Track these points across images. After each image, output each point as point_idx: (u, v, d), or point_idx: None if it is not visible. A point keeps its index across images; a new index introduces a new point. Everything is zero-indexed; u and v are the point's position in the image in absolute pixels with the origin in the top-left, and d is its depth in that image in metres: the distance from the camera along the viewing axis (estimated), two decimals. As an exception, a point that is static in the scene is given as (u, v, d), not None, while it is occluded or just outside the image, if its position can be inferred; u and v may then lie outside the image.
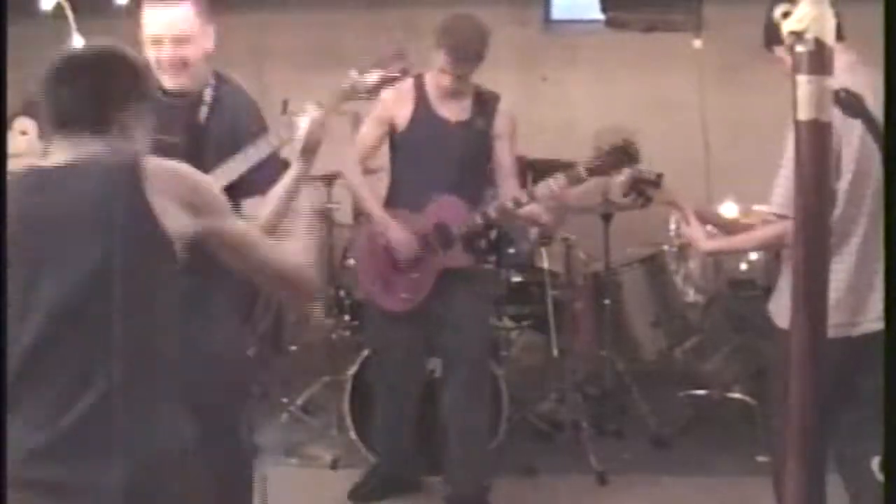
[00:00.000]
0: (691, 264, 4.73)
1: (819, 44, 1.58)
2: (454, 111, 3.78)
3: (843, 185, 2.72)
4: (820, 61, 1.59)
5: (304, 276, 2.09)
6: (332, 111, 2.66)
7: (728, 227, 3.31)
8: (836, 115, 2.60)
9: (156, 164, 1.83)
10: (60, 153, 1.86)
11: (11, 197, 1.81)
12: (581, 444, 4.30)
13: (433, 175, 3.74)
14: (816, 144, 1.63)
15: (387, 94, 3.57)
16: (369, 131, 3.85)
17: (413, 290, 3.79)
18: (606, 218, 4.79)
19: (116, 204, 1.76)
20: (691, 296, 4.76)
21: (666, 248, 4.71)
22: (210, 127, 2.84)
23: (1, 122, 2.71)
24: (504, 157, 3.84)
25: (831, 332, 2.70)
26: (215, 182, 2.26)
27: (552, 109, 5.80)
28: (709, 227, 3.23)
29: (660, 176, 3.50)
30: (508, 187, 3.80)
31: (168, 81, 2.79)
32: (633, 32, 4.92)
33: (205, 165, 2.56)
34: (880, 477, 2.26)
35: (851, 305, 2.72)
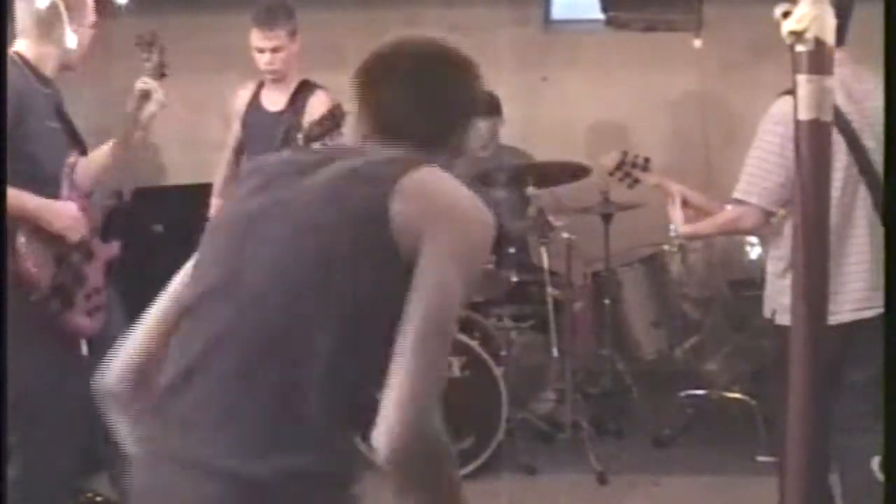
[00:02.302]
0: (692, 262, 4.72)
1: (819, 44, 1.58)
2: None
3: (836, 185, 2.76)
4: (820, 61, 1.59)
5: None
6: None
7: (710, 214, 3.35)
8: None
9: None
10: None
11: None
12: (581, 444, 4.30)
13: None
14: (816, 144, 1.63)
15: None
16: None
17: None
18: (606, 218, 4.79)
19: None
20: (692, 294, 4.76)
21: (666, 248, 4.70)
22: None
23: (1, 119, 2.71)
24: None
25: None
26: None
27: (552, 109, 5.79)
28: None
29: (647, 160, 3.61)
30: None
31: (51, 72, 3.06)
32: (633, 32, 4.91)
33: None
34: (880, 477, 2.26)
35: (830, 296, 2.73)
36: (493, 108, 5.02)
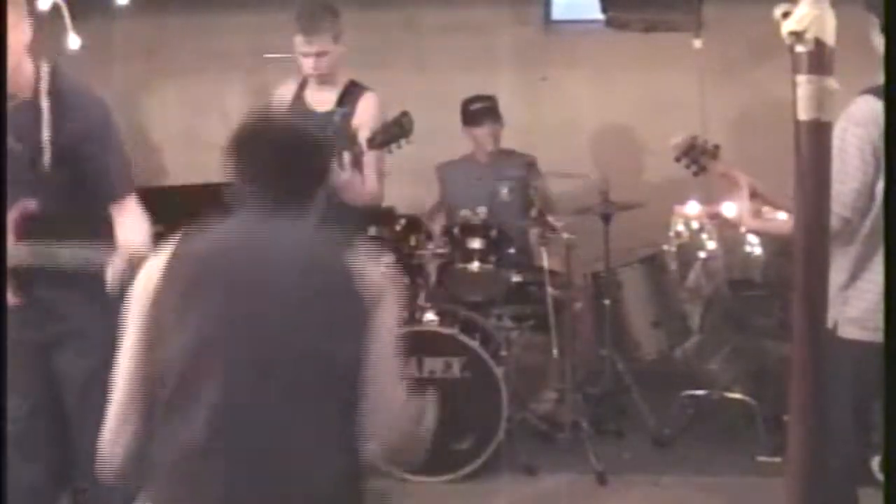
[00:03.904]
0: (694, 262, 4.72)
1: (819, 44, 1.58)
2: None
3: (879, 185, 2.66)
4: (820, 61, 1.59)
5: None
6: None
7: (780, 207, 3.23)
8: (879, 108, 2.57)
9: None
10: None
11: None
12: (581, 444, 4.30)
13: None
14: (816, 144, 1.63)
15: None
16: None
17: None
18: (606, 218, 4.78)
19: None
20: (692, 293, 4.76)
21: (666, 248, 4.70)
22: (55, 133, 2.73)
23: (1, 121, 2.70)
24: None
25: (870, 336, 2.66)
26: None
27: (552, 109, 5.79)
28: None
29: (717, 147, 3.44)
30: None
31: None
32: (633, 32, 4.91)
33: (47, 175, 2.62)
34: (880, 477, 2.26)
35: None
36: (491, 112, 5.02)
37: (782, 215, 3.00)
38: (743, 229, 3.70)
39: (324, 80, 4.02)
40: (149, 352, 1.87)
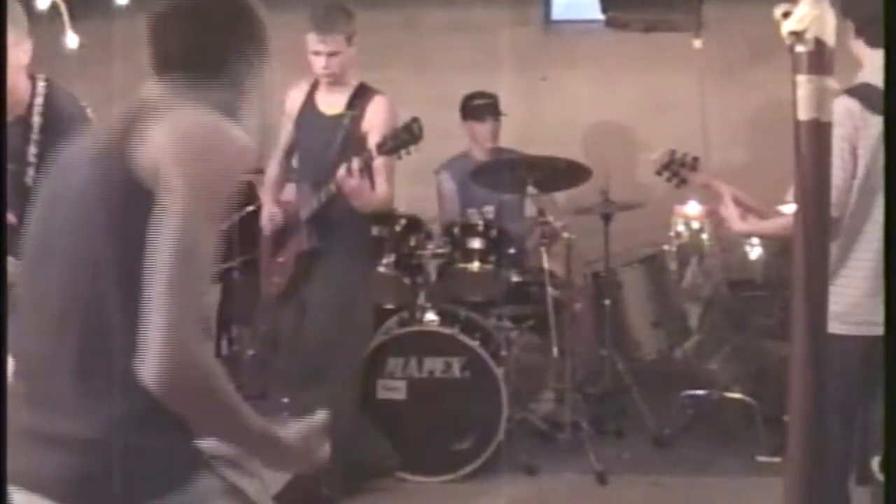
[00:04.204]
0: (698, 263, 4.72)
1: (819, 44, 1.58)
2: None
3: (857, 179, 2.72)
4: (820, 61, 1.59)
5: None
6: None
7: (761, 214, 3.30)
8: (855, 109, 2.65)
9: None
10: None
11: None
12: (581, 444, 4.30)
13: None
14: (816, 144, 1.63)
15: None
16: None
17: (280, 274, 3.99)
18: (606, 218, 4.79)
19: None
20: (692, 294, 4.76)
21: (666, 248, 4.70)
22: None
23: (1, 121, 2.70)
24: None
25: (853, 330, 2.70)
26: None
27: (552, 109, 5.80)
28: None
29: (696, 159, 3.50)
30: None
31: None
32: (633, 32, 4.91)
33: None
34: (880, 477, 2.26)
35: (873, 304, 2.70)
36: (493, 108, 5.03)
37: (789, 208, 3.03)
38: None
39: (334, 81, 3.97)
40: None
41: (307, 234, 3.92)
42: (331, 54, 3.89)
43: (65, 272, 1.66)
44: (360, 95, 3.98)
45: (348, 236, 3.96)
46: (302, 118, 4.09)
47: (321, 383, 3.76)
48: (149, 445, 1.61)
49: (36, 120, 2.73)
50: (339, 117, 3.95)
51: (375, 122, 3.91)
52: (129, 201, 1.58)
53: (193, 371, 1.52)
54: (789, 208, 2.85)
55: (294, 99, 4.08)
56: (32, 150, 2.71)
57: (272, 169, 4.20)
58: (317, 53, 3.90)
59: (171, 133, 1.60)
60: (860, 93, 2.68)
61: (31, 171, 2.69)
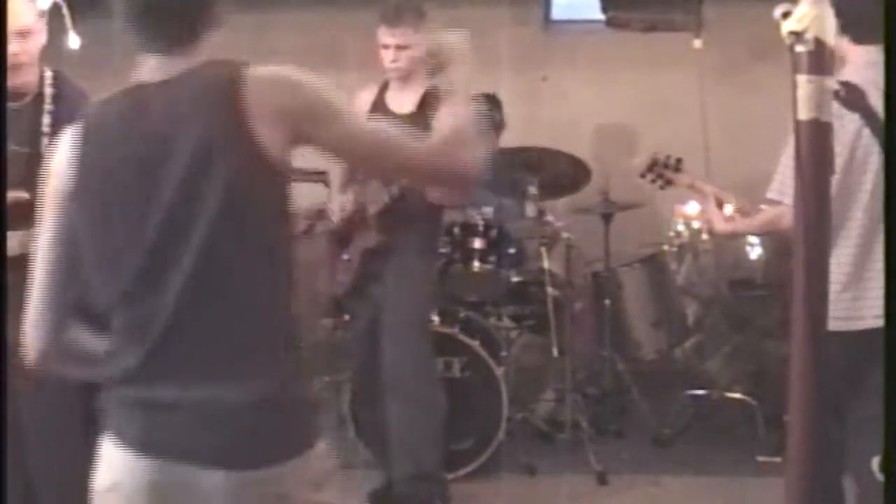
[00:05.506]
0: (693, 261, 4.72)
1: (819, 44, 1.58)
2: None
3: (835, 179, 2.72)
4: (820, 61, 1.59)
5: (457, 166, 1.87)
6: None
7: (744, 212, 3.31)
8: (837, 111, 2.64)
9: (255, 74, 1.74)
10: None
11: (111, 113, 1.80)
12: (581, 444, 4.30)
13: None
14: (816, 144, 1.63)
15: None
16: None
17: (345, 272, 3.92)
18: (606, 218, 4.79)
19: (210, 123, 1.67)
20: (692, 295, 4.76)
21: (666, 248, 4.70)
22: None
23: (1, 121, 2.70)
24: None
25: (832, 326, 2.72)
26: None
27: (552, 109, 5.79)
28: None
29: (679, 161, 3.52)
30: None
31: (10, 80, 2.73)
32: (633, 32, 4.92)
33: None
34: (880, 477, 2.26)
35: (850, 300, 2.71)
36: (494, 107, 5.02)
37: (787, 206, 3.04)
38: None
39: (404, 77, 3.92)
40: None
41: (375, 230, 3.87)
42: (399, 47, 3.85)
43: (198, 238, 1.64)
44: (430, 96, 3.85)
45: (419, 233, 3.93)
46: (372, 117, 4.04)
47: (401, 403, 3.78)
48: (298, 402, 1.73)
49: (47, 107, 2.81)
50: (410, 116, 3.85)
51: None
52: (251, 161, 1.65)
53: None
54: (782, 199, 2.87)
55: (363, 99, 4.01)
56: (46, 120, 2.79)
57: (339, 168, 4.11)
58: (386, 47, 3.87)
59: (270, 73, 1.76)
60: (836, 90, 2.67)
61: (45, 141, 2.75)
